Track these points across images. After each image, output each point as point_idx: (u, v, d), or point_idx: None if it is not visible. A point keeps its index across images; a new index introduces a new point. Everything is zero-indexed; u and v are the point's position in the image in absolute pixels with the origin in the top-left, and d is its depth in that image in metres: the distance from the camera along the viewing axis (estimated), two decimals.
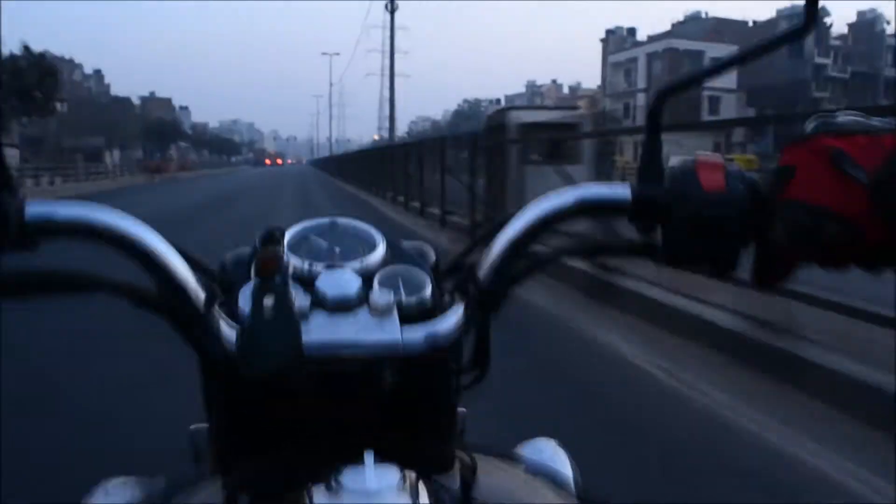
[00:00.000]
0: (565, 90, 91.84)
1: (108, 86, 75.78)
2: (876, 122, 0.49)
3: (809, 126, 0.50)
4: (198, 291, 0.51)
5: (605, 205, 0.55)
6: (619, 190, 0.54)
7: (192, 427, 0.63)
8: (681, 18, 64.14)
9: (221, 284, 0.55)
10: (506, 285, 0.54)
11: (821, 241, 0.49)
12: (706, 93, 39.91)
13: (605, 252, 0.56)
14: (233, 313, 0.51)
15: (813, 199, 0.49)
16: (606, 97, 59.95)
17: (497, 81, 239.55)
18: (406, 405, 0.54)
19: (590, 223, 3.77)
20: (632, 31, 65.22)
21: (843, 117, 0.50)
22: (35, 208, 0.48)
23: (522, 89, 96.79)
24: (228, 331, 0.50)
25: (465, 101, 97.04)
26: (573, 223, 0.56)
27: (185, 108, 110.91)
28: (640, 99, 48.09)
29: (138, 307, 0.50)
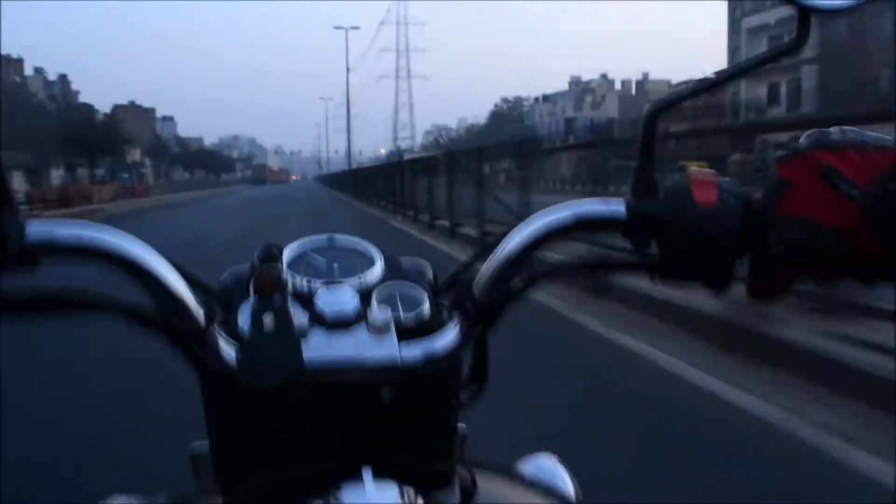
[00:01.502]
0: (617, 85, 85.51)
1: (76, 93, 71.22)
2: (870, 137, 0.52)
3: (803, 140, 0.53)
4: (197, 309, 0.53)
5: (601, 220, 0.57)
6: (614, 205, 0.57)
7: (193, 444, 0.67)
8: None
9: (220, 302, 0.58)
10: (503, 301, 0.56)
11: (815, 255, 0.52)
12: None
13: (602, 268, 0.62)
14: (232, 331, 0.54)
15: (807, 214, 0.51)
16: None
17: (525, 81, 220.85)
18: (405, 421, 0.57)
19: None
20: None
21: (838, 132, 0.53)
22: (36, 228, 0.51)
23: (564, 86, 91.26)
24: (228, 348, 0.52)
25: (505, 100, 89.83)
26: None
27: (168, 119, 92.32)
28: (807, 74, 29.64)
29: (138, 326, 0.53)
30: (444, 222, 12.04)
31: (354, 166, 61.69)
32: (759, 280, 0.55)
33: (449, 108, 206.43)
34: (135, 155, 63.39)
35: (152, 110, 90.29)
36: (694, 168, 0.55)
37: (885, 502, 2.35)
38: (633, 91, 74.87)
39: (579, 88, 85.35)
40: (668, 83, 70.93)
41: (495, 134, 67.12)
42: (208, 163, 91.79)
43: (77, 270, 0.52)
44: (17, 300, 0.51)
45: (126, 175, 56.33)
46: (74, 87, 73.40)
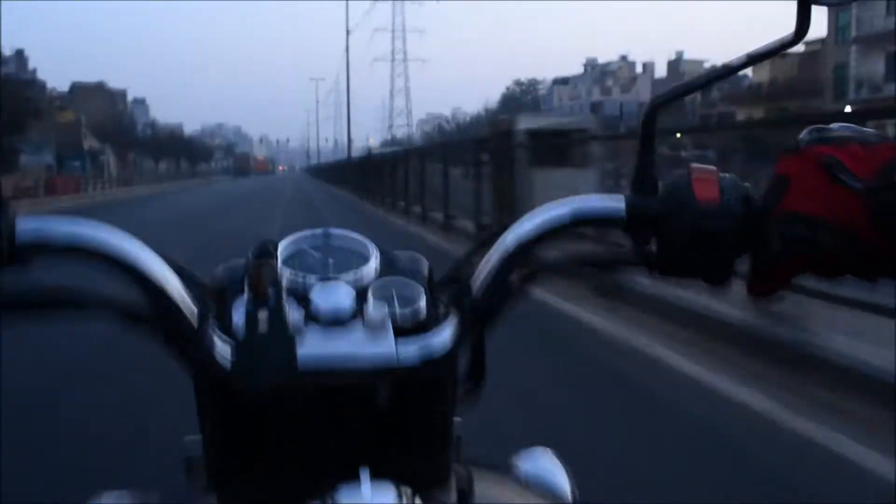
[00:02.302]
0: (638, 68, 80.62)
1: (32, 71, 63.07)
2: (870, 132, 0.54)
3: (803, 136, 0.55)
4: (191, 307, 0.54)
5: (600, 217, 0.59)
6: (614, 202, 0.58)
7: (186, 439, 0.67)
8: None
9: (214, 298, 0.59)
10: (501, 298, 0.57)
11: (817, 251, 0.53)
12: None
13: (601, 265, 0.62)
14: (226, 328, 0.55)
15: (808, 209, 0.52)
16: (853, 44, 29.39)
17: (531, 66, 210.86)
18: (401, 419, 0.58)
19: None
20: None
21: (838, 127, 0.54)
22: (27, 225, 0.52)
23: (578, 70, 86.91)
24: (222, 346, 0.53)
25: (518, 83, 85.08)
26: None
27: (140, 102, 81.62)
28: None
29: (129, 325, 0.54)
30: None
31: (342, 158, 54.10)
32: (759, 276, 0.56)
33: (443, 97, 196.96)
34: (92, 141, 53.10)
35: (122, 92, 79.71)
36: (695, 164, 0.57)
37: (886, 501, 2.45)
38: (665, 72, 66.27)
39: (597, 71, 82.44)
40: (702, 63, 63.71)
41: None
42: (182, 151, 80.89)
43: (70, 267, 0.53)
44: (7, 299, 0.52)
45: (77, 163, 46.17)
46: (32, 64, 63.38)
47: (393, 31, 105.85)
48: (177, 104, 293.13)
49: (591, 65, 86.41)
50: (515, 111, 70.09)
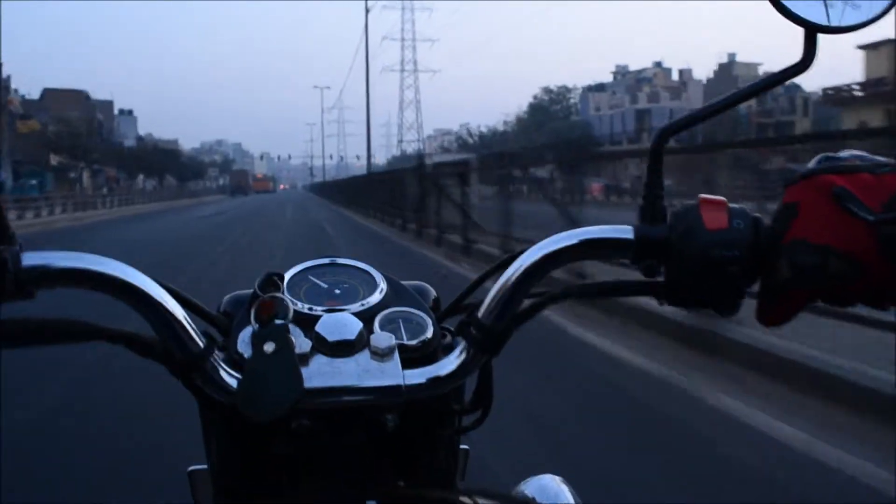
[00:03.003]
0: (674, 75, 74.88)
1: (6, 78, 51.52)
2: (881, 160, 0.55)
3: (813, 164, 0.56)
4: (197, 336, 0.56)
5: (609, 245, 0.60)
6: (622, 231, 0.59)
7: (191, 469, 0.70)
8: None
9: (220, 328, 0.61)
10: (507, 326, 0.58)
11: (826, 279, 0.54)
12: None
13: (609, 293, 0.64)
14: (232, 358, 0.57)
15: (817, 237, 0.54)
16: None
17: (555, 73, 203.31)
18: (408, 447, 0.59)
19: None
20: None
21: (848, 156, 0.56)
22: (31, 257, 0.54)
23: (605, 78, 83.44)
24: (228, 377, 0.55)
25: (547, 90, 75.67)
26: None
27: (126, 114, 73.55)
28: None
29: (138, 354, 0.57)
30: None
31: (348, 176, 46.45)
32: (769, 304, 0.58)
33: (452, 112, 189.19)
34: (65, 156, 44.90)
35: (108, 102, 71.43)
36: (703, 195, 0.59)
37: (885, 502, 2.52)
38: (710, 76, 58.99)
39: (629, 79, 77.37)
40: (757, 67, 56.24)
41: (541, 130, 56.94)
42: (170, 167, 72.16)
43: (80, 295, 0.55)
44: (17, 331, 0.54)
45: (34, 182, 37.64)
46: (6, 70, 55.16)
47: (402, 39, 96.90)
48: (176, 121, 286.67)
49: (621, 72, 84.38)
50: (546, 121, 61.25)
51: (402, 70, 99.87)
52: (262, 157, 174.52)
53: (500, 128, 72.41)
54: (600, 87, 76.52)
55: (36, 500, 2.58)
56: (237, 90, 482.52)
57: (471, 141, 74.49)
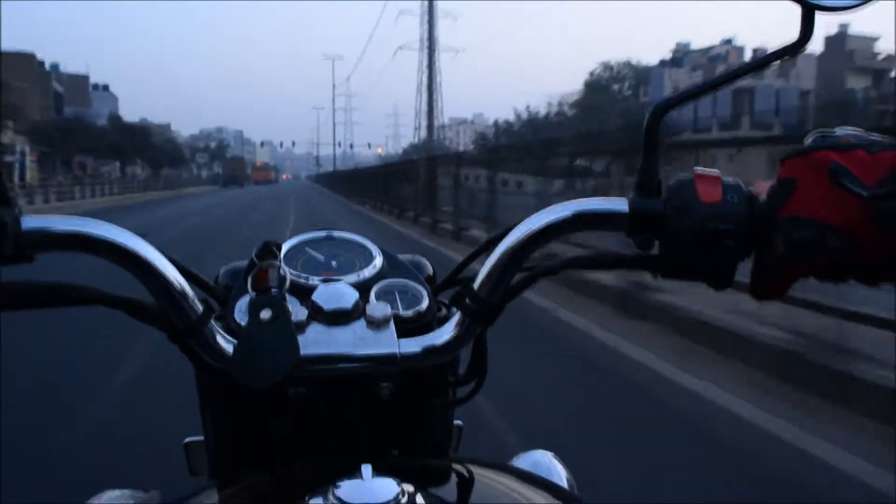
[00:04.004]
0: (748, 53, 65.48)
1: None
2: (876, 138, 0.58)
3: (809, 140, 0.59)
4: (195, 304, 0.58)
5: (603, 218, 0.62)
6: (617, 203, 0.62)
7: (187, 440, 0.71)
8: None
9: (218, 297, 0.64)
10: (502, 298, 0.61)
11: (820, 254, 0.56)
12: None
13: (603, 265, 0.66)
14: (229, 326, 0.60)
15: (812, 213, 0.56)
16: None
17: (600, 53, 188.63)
18: (403, 416, 0.62)
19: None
20: None
21: (844, 133, 0.58)
22: (31, 221, 0.55)
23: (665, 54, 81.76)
24: (225, 344, 0.57)
25: (607, 66, 62.65)
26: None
27: (102, 89, 61.11)
28: None
29: (137, 319, 0.59)
30: None
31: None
32: (762, 279, 0.61)
33: (472, 97, 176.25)
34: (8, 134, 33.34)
35: (82, 78, 59.18)
36: (697, 168, 0.62)
37: (885, 502, 2.81)
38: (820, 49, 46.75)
39: (694, 58, 67.44)
40: (874, 41, 55.32)
41: (598, 114, 47.83)
42: (140, 151, 59.88)
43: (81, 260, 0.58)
44: (18, 295, 0.55)
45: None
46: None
47: (422, 15, 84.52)
48: (176, 107, 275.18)
49: (682, 50, 73.07)
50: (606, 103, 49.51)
51: (421, 49, 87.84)
52: (262, 145, 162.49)
53: (542, 113, 60.21)
54: (677, 63, 68.15)
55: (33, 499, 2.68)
56: (241, 75, 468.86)
57: (515, 127, 62.59)
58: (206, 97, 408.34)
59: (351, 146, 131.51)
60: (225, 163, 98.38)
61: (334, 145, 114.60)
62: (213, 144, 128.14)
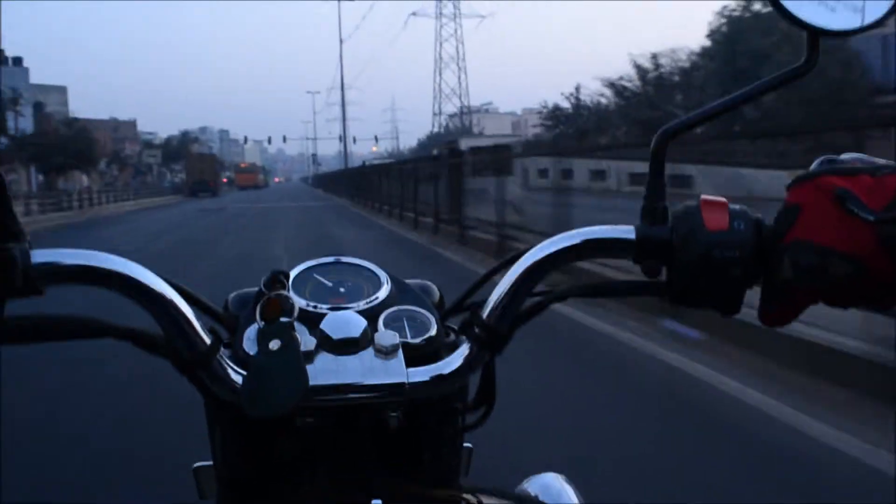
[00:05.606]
0: None
1: None
2: (881, 162, 0.59)
3: (815, 166, 0.60)
4: (203, 334, 0.59)
5: (611, 245, 0.63)
6: (624, 231, 0.63)
7: (196, 465, 0.73)
8: None
9: (226, 326, 0.65)
10: (511, 325, 0.62)
11: (827, 280, 0.57)
12: None
13: (612, 292, 0.67)
14: (238, 355, 0.60)
15: (818, 238, 0.57)
16: None
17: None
18: (411, 445, 0.63)
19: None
20: None
21: (849, 158, 0.60)
22: (41, 255, 0.57)
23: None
24: (234, 374, 0.58)
25: (747, 7, 35.36)
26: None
27: (13, 63, 42.00)
28: None
29: (145, 350, 0.60)
30: None
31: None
32: (771, 304, 0.61)
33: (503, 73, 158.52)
34: None
35: (24, 71, 43.21)
36: (704, 196, 0.63)
37: (887, 502, 2.77)
38: None
39: None
40: None
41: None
42: (70, 152, 42.89)
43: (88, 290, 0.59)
44: (25, 328, 0.57)
45: None
46: None
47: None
48: (162, 109, 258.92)
49: None
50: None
51: (439, 15, 70.47)
52: (245, 140, 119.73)
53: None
54: None
55: (36, 499, 2.67)
56: (223, 73, 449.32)
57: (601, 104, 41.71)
58: (187, 97, 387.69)
59: (354, 139, 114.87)
60: (186, 163, 68.37)
61: (345, 135, 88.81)
62: (174, 142, 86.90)
